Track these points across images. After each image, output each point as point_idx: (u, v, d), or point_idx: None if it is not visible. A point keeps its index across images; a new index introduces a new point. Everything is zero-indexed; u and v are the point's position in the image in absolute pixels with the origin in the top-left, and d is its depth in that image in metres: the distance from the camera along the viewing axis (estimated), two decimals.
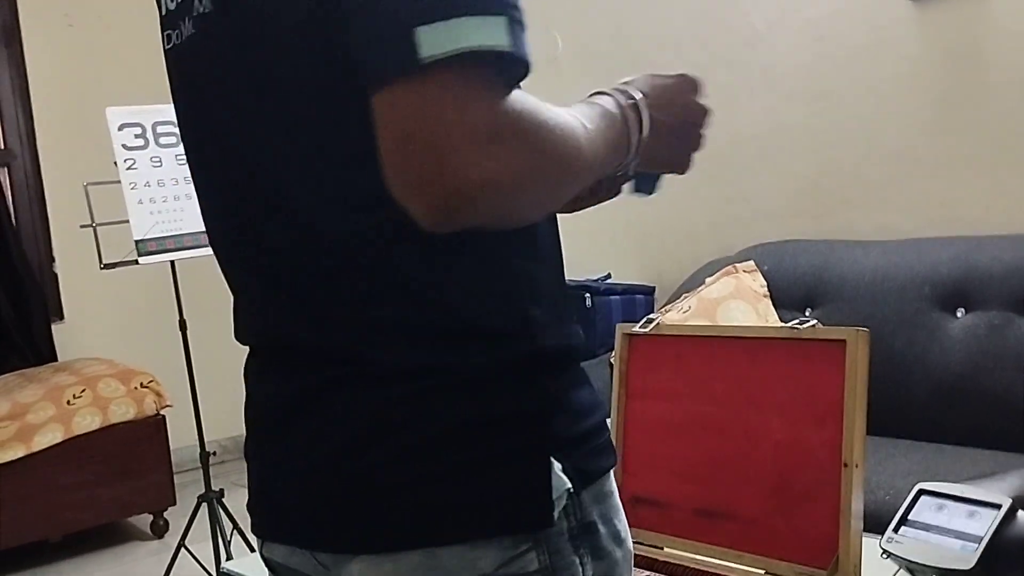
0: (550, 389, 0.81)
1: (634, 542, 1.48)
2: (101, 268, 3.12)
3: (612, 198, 1.01)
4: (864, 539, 1.30)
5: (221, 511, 3.14)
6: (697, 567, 1.43)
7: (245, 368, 0.92)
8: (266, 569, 0.94)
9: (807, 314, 2.72)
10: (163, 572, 3.14)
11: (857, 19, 2.91)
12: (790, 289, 2.83)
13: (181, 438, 3.83)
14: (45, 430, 3.58)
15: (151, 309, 4.11)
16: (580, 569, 0.81)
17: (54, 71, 4.53)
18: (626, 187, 0.98)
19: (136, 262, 3.03)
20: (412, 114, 0.68)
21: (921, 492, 1.45)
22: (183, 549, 3.13)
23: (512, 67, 0.71)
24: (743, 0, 3.18)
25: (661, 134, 0.88)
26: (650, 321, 1.56)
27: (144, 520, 3.98)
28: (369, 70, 0.70)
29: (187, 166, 0.94)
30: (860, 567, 1.27)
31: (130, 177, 3.02)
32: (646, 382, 1.56)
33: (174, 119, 1.01)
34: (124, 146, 3.03)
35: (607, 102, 0.85)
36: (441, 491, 0.77)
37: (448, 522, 0.77)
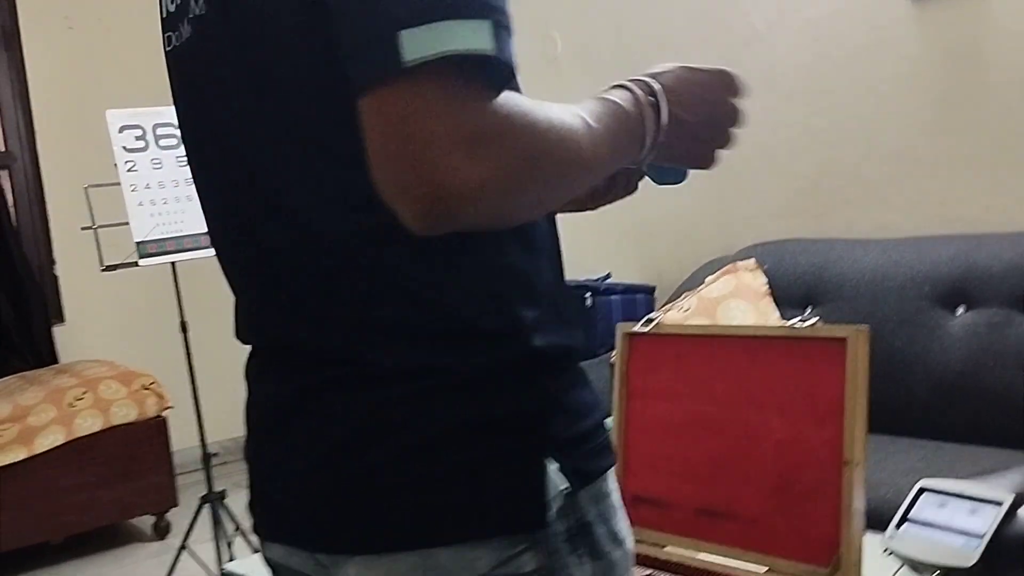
0: (548, 389, 0.81)
1: (636, 541, 1.49)
2: (102, 270, 3.13)
3: (630, 194, 1.00)
4: (866, 537, 1.30)
5: (223, 512, 3.15)
6: (699, 566, 1.43)
7: (246, 368, 0.92)
8: (267, 569, 0.94)
9: (808, 312, 2.72)
10: (165, 574, 3.14)
11: (857, 19, 2.91)
12: (790, 288, 2.83)
13: (182, 439, 3.83)
14: (46, 432, 3.58)
15: (152, 311, 4.11)
16: (577, 569, 0.81)
17: (54, 73, 4.53)
18: (653, 177, 0.96)
19: (136, 264, 3.03)
20: (396, 118, 0.68)
21: (922, 490, 1.45)
22: (185, 550, 3.13)
23: (497, 71, 0.70)
24: (743, 0, 3.19)
25: (682, 130, 0.87)
26: (650, 320, 1.56)
27: (146, 522, 3.98)
28: (354, 73, 0.70)
29: (188, 167, 0.94)
30: (861, 565, 1.27)
31: (130, 179, 3.02)
32: (646, 381, 1.56)
33: (174, 121, 1.01)
34: (124, 148, 3.03)
35: (623, 96, 0.83)
36: (438, 492, 0.77)
37: (444, 523, 0.77)
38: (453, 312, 0.78)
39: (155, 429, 3.86)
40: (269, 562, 0.93)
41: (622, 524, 0.86)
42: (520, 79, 0.76)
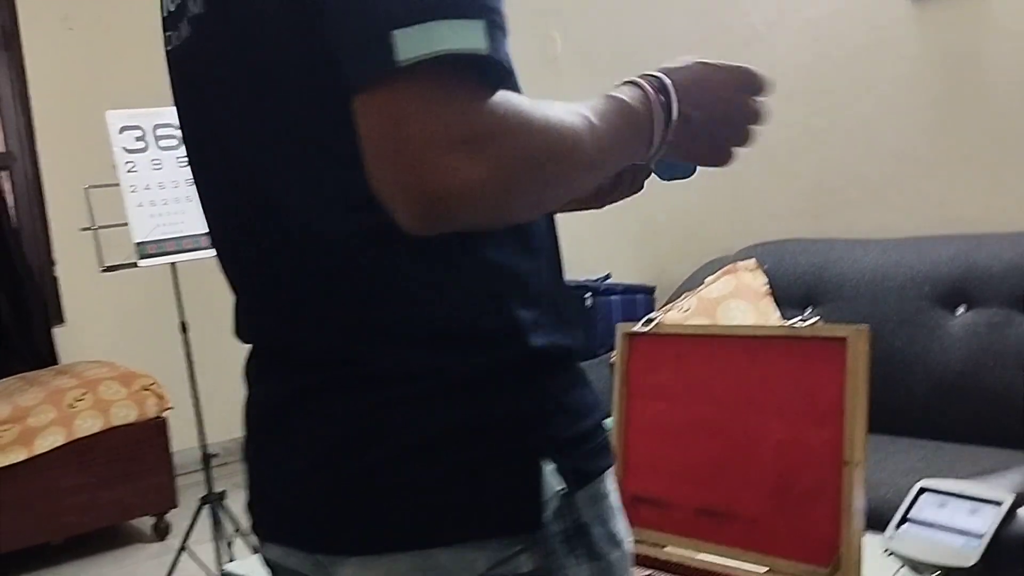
0: (546, 390, 0.81)
1: (636, 541, 1.49)
2: (101, 271, 3.13)
3: (636, 192, 0.99)
4: (866, 537, 1.30)
5: (223, 513, 3.15)
6: (699, 566, 1.43)
7: (245, 368, 0.92)
8: (266, 569, 0.94)
9: (808, 313, 2.72)
10: (165, 575, 3.14)
11: (857, 19, 2.91)
12: (790, 288, 2.83)
13: (182, 440, 3.83)
14: (46, 433, 3.58)
15: (152, 312, 4.11)
16: (575, 570, 0.80)
17: (54, 74, 4.53)
18: (659, 173, 0.95)
19: (136, 265, 3.03)
20: (389, 118, 0.68)
21: (923, 490, 1.45)
22: (185, 551, 3.13)
23: (492, 70, 0.70)
24: (743, 0, 3.19)
25: (694, 128, 0.86)
26: (650, 320, 1.56)
27: (146, 523, 3.98)
28: (348, 73, 0.70)
29: (189, 168, 0.94)
30: (861, 565, 1.27)
31: (130, 180, 3.02)
32: (646, 382, 1.56)
33: (174, 122, 1.01)
34: (124, 149, 3.03)
35: (631, 93, 0.82)
36: (436, 492, 0.77)
37: (442, 523, 0.77)
38: (451, 313, 0.78)
39: (155, 430, 3.86)
40: (268, 562, 0.93)
41: (620, 525, 0.86)
42: (519, 79, 0.75)
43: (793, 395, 1.37)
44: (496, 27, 0.70)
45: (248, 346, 0.92)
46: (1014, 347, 2.33)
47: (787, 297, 2.82)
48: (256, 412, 0.90)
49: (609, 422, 1.61)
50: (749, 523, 1.39)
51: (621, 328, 1.60)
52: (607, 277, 3.53)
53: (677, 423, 1.50)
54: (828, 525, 1.30)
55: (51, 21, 4.53)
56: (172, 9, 0.89)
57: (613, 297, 3.35)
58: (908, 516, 1.43)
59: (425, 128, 0.67)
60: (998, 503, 1.35)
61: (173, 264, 3.08)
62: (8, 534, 3.51)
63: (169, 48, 0.91)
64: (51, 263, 4.56)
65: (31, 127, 4.51)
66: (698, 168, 0.95)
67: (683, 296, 2.97)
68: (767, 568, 1.35)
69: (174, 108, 0.94)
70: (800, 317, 1.38)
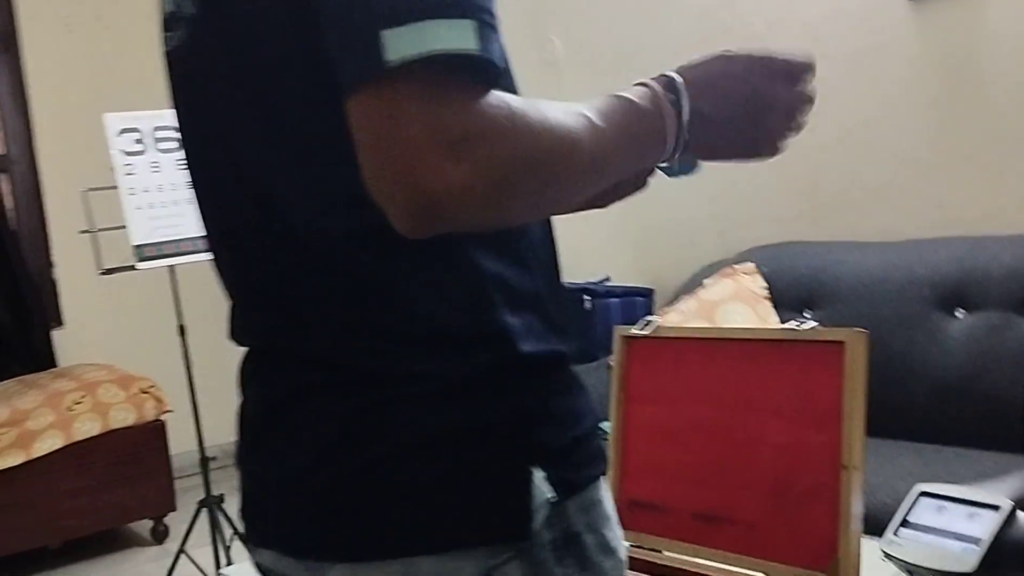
0: (535, 396, 0.80)
1: (633, 546, 1.48)
2: (100, 274, 3.13)
3: (640, 189, 0.97)
4: (864, 541, 1.29)
5: (221, 516, 3.14)
6: (696, 571, 1.42)
7: (240, 371, 0.92)
8: (259, 575, 0.94)
9: (807, 316, 2.71)
10: None
11: (855, 21, 2.91)
12: (789, 291, 2.83)
13: (181, 443, 3.82)
14: (45, 436, 3.58)
15: (150, 314, 4.11)
16: None
17: (53, 76, 4.53)
18: (665, 170, 0.91)
19: (134, 267, 3.03)
20: (380, 119, 0.67)
21: (921, 494, 1.45)
22: (183, 555, 3.12)
23: (483, 70, 0.69)
24: (743, 2, 3.19)
25: (719, 123, 0.83)
26: (648, 322, 1.56)
27: (144, 526, 3.98)
28: (339, 74, 0.70)
29: (187, 169, 0.94)
30: (859, 569, 1.27)
31: (129, 182, 3.02)
32: (645, 385, 1.55)
33: (173, 124, 1.01)
34: (123, 151, 3.03)
35: (639, 93, 0.80)
36: (422, 499, 0.76)
37: (428, 531, 0.76)
38: (428, 317, 0.77)
39: (154, 433, 3.86)
40: (260, 567, 0.92)
41: (614, 534, 0.85)
42: (519, 83, 0.75)
43: (791, 398, 1.36)
44: (487, 26, 0.69)
45: (244, 349, 0.92)
46: (1013, 350, 2.32)
47: (786, 300, 2.82)
48: (247, 416, 0.90)
49: (606, 425, 1.60)
50: (747, 527, 1.39)
51: (619, 331, 1.59)
52: (605, 280, 3.53)
53: (675, 426, 1.50)
54: (826, 529, 1.29)
55: (51, 22, 4.53)
56: (171, 9, 0.88)
57: (612, 300, 3.35)
58: (906, 520, 1.42)
59: (415, 129, 0.66)
60: (997, 508, 1.35)
61: (172, 267, 3.07)
62: (6, 537, 3.50)
63: (167, 49, 0.90)
64: (50, 266, 4.56)
65: (30, 129, 4.51)
66: (701, 165, 0.93)
67: (682, 299, 2.96)
68: (764, 573, 1.35)
69: (173, 110, 0.93)
70: (795, 320, 1.37)
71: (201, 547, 3.19)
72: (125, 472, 3.78)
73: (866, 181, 2.94)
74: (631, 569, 1.15)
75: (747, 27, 3.16)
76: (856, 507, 1.28)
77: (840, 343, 1.31)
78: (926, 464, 2.23)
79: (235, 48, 0.79)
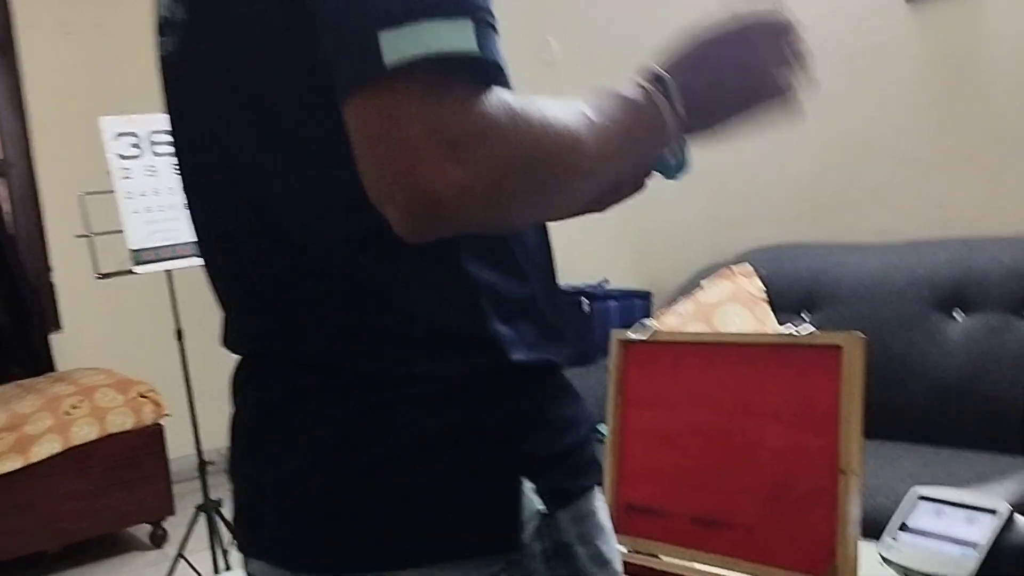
0: (524, 404, 0.79)
1: (631, 551, 1.48)
2: (97, 277, 3.12)
3: (638, 190, 0.96)
4: (862, 543, 1.29)
5: (219, 521, 3.14)
6: (694, 575, 1.42)
7: (233, 379, 0.92)
8: None
9: (804, 318, 2.71)
10: None
11: (853, 21, 2.90)
12: (788, 293, 2.82)
13: (179, 447, 3.82)
14: (43, 440, 3.57)
15: (148, 318, 4.10)
16: None
17: (50, 80, 4.52)
18: (662, 171, 0.91)
19: (132, 271, 3.02)
20: (378, 122, 0.67)
21: (920, 497, 1.44)
22: (181, 559, 3.12)
23: (482, 70, 0.68)
24: (742, 3, 3.18)
25: (706, 90, 0.83)
26: (644, 327, 1.55)
27: (143, 530, 3.97)
28: (336, 77, 0.69)
29: (179, 174, 0.93)
30: (857, 573, 1.26)
31: (125, 187, 3.02)
32: (642, 389, 1.55)
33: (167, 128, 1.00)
34: (119, 155, 3.02)
35: (627, 87, 0.80)
36: (409, 510, 0.76)
37: (417, 544, 0.75)
38: (420, 321, 0.77)
39: (152, 437, 3.85)
40: None
41: (608, 545, 0.84)
42: (516, 83, 0.74)
43: (789, 403, 1.36)
44: (485, 25, 0.69)
45: (238, 357, 0.92)
46: (1013, 352, 2.32)
47: (784, 302, 2.81)
48: (238, 423, 0.90)
49: (604, 428, 1.60)
50: (745, 531, 1.38)
51: (616, 335, 1.59)
52: (604, 282, 3.52)
53: (673, 430, 1.49)
54: (824, 533, 1.29)
55: (48, 26, 4.53)
56: (165, 14, 0.88)
57: (610, 303, 3.35)
58: (905, 524, 1.42)
59: (415, 129, 0.66)
60: (995, 512, 1.34)
61: (169, 271, 3.07)
62: (4, 542, 3.50)
63: (162, 54, 0.90)
64: (47, 270, 4.55)
65: (27, 134, 4.50)
66: (688, 167, 0.93)
67: (680, 302, 2.96)
68: None
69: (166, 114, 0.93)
70: (791, 323, 1.37)
71: (199, 551, 3.18)
72: (123, 476, 3.77)
73: (864, 182, 2.94)
74: (628, 574, 1.14)
75: None
76: (854, 511, 1.27)
77: (837, 347, 1.31)
78: (925, 465, 2.22)
79: (229, 52, 0.79)
